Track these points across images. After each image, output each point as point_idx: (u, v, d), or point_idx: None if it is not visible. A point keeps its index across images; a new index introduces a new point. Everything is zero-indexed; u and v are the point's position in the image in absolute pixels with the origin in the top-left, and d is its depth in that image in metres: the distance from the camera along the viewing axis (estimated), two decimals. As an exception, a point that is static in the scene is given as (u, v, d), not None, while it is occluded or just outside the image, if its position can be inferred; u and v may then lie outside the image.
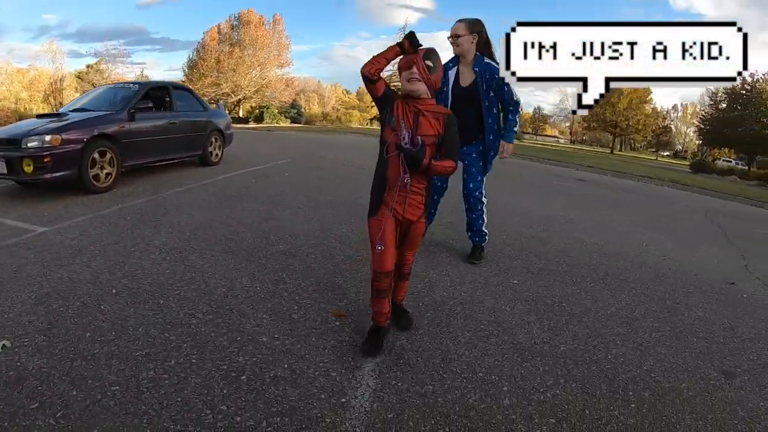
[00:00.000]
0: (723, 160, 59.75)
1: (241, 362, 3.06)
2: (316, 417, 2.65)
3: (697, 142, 74.16)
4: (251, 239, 5.45)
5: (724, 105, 54.73)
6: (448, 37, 4.93)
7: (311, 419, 2.63)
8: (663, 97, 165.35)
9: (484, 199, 5.37)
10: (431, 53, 3.22)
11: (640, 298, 5.09)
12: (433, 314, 4.07)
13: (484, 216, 5.44)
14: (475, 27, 4.89)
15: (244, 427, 2.54)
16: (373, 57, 3.22)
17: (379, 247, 3.21)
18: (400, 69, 3.21)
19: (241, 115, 50.66)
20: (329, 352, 3.29)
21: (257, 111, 51.10)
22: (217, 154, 11.27)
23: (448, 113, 3.32)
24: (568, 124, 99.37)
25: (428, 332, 3.77)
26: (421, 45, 3.23)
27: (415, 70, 3.16)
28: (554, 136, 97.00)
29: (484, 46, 4.96)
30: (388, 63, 3.22)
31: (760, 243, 9.35)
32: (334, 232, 6.06)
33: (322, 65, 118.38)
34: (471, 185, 5.28)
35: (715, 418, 3.15)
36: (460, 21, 4.92)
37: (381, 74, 3.24)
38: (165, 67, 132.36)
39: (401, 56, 3.27)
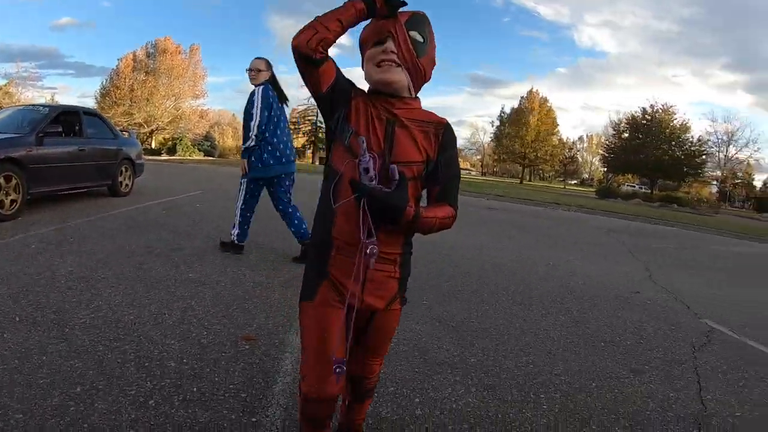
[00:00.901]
0: (627, 186, 63.25)
1: (149, 387, 2.99)
2: None
3: (602, 169, 78.34)
4: (160, 268, 5.35)
5: (627, 134, 58.39)
6: (247, 70, 5.97)
7: None
8: (569, 129, 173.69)
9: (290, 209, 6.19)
10: (419, 20, 1.92)
11: (549, 311, 5.35)
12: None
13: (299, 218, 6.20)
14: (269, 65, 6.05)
15: None
16: (317, 18, 1.80)
17: (338, 370, 1.82)
18: (364, 42, 1.96)
19: (153, 146, 49.04)
20: (239, 375, 3.27)
21: (170, 143, 49.77)
22: (127, 184, 10.92)
23: (444, 122, 1.97)
24: (479, 156, 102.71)
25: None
26: (404, 3, 1.87)
27: (390, 45, 1.86)
28: (466, 169, 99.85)
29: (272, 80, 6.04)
30: (344, 32, 1.85)
31: (661, 256, 10.07)
32: (243, 261, 6.03)
33: (237, 98, 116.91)
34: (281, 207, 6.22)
35: (626, 411, 3.36)
36: (258, 59, 6.01)
37: (329, 51, 1.86)
38: (77, 93, 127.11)
39: (367, 22, 1.93)
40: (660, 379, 3.93)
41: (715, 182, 65.17)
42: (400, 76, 1.87)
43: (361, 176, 1.74)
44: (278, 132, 5.89)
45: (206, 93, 54.94)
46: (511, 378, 3.66)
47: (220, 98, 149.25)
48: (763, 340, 5.29)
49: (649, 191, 53.25)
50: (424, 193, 2.03)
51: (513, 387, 3.52)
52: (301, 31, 1.77)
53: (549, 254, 8.73)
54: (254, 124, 5.69)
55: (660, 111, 57.69)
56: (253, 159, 5.86)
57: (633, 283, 7.20)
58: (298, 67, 1.82)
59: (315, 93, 1.88)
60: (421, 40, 1.89)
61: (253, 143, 5.76)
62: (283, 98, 6.03)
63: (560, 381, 3.69)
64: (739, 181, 70.02)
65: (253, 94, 5.78)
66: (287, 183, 6.12)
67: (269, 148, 5.83)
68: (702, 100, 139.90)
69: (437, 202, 1.94)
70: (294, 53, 1.78)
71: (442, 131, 1.94)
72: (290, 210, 6.15)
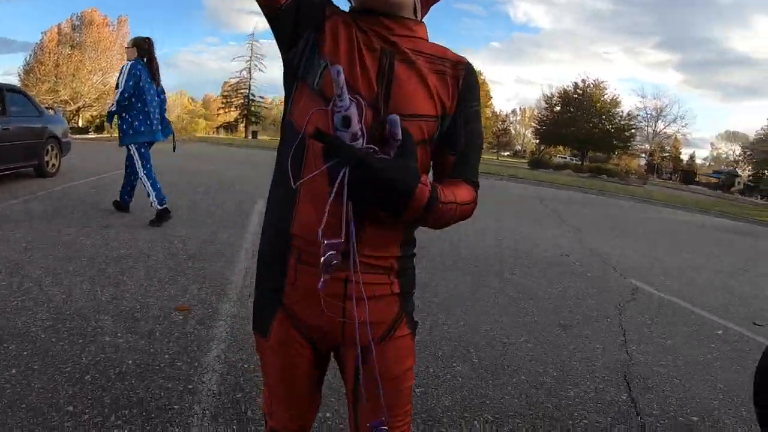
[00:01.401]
0: (559, 157, 64.80)
1: (84, 363, 2.93)
2: (164, 406, 2.61)
3: (534, 141, 79.87)
4: (91, 246, 5.19)
5: (558, 108, 59.70)
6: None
7: (160, 408, 2.59)
8: (503, 102, 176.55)
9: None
10: None
11: (482, 276, 5.50)
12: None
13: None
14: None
15: (92, 423, 2.45)
16: None
17: None
18: None
19: (80, 124, 47.07)
20: (174, 344, 3.24)
21: (98, 120, 47.80)
22: (54, 164, 10.35)
23: (464, 61, 1.32)
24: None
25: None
26: None
27: None
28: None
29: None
30: None
31: (590, 222, 10.41)
32: (175, 234, 5.92)
33: (167, 72, 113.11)
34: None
35: (554, 362, 3.52)
36: (132, 39, 6.73)
37: None
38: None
39: None
40: (587, 333, 4.11)
41: (643, 155, 67.61)
42: None
43: (338, 132, 1.06)
44: (147, 103, 6.49)
45: None
46: (443, 338, 3.73)
47: None
48: (684, 296, 5.62)
49: (580, 163, 54.87)
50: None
51: (445, 345, 3.60)
52: None
53: (480, 220, 8.88)
54: (118, 92, 6.30)
55: (591, 86, 59.41)
56: (129, 128, 6.47)
57: (563, 247, 7.45)
58: None
59: (269, 11, 1.21)
60: None
61: (114, 108, 6.41)
62: (153, 77, 6.64)
63: (491, 337, 3.79)
64: (667, 154, 72.82)
65: (123, 67, 6.44)
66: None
67: (140, 117, 6.43)
68: (633, 77, 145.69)
69: (451, 179, 1.28)
70: None
71: (462, 74, 1.28)
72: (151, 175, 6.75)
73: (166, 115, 6.91)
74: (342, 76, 1.03)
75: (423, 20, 1.32)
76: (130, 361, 2.96)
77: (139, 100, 6.37)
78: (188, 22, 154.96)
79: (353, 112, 1.05)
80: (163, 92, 6.88)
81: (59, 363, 2.90)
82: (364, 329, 1.19)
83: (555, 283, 5.48)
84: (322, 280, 1.08)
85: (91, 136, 37.42)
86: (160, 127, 6.71)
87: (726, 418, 3.07)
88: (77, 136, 28.23)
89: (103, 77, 47.29)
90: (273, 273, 1.30)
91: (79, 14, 48.20)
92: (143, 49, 6.61)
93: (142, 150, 6.53)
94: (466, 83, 1.28)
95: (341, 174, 1.03)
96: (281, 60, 1.27)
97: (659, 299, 5.38)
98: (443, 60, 1.27)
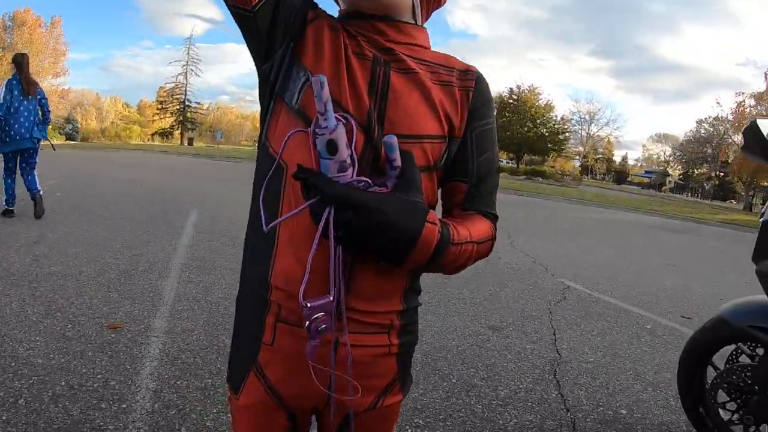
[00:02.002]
0: (495, 162, 66.23)
1: (17, 387, 2.81)
2: (99, 427, 2.54)
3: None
4: (20, 264, 4.97)
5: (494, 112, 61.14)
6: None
7: (94, 429, 2.52)
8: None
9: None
10: None
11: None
12: (208, 316, 4.03)
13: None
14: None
15: None
16: None
17: None
18: None
19: (12, 133, 45.45)
20: (106, 363, 3.15)
21: None
22: None
23: (474, 70, 1.10)
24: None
25: (204, 331, 3.74)
26: None
27: None
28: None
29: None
30: None
31: (524, 224, 10.62)
32: (107, 248, 5.76)
33: (101, 76, 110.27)
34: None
35: (485, 364, 3.53)
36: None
37: None
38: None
39: None
40: (517, 333, 4.15)
41: (577, 157, 69.70)
42: None
43: (322, 161, 0.85)
44: (15, 116, 7.00)
45: (68, 71, 50.64)
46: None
47: (82, 76, 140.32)
48: (613, 294, 5.79)
49: (516, 166, 56.21)
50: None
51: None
52: None
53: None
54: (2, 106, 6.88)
55: (526, 91, 61.13)
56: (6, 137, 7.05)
57: (495, 249, 7.48)
58: None
59: (238, 12, 0.96)
60: None
61: None
62: (24, 90, 7.13)
63: (421, 341, 3.75)
64: (600, 156, 75.33)
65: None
66: (26, 156, 7.33)
67: (6, 129, 6.96)
68: (567, 83, 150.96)
69: (463, 212, 1.08)
70: None
71: (472, 85, 1.07)
72: (28, 178, 7.32)
73: (51, 116, 7.67)
74: (326, 90, 0.82)
75: (424, 25, 1.12)
76: (63, 383, 2.88)
77: (8, 113, 6.94)
78: (123, 25, 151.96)
79: (340, 134, 0.84)
80: (44, 97, 7.53)
81: (-7, 388, 2.79)
82: (355, 397, 1.00)
83: (487, 285, 5.52)
84: (310, 345, 0.86)
85: None
86: (28, 135, 7.18)
87: (655, 409, 3.15)
88: None
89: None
90: (248, 328, 1.07)
91: (11, 14, 46.18)
92: (18, 63, 7.34)
93: (3, 158, 7.15)
94: (477, 96, 1.07)
95: (324, 215, 0.82)
96: (255, 72, 1.05)
97: (589, 297, 5.50)
98: (449, 69, 1.06)
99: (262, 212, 0.93)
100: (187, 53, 64.82)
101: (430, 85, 1.00)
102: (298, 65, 0.97)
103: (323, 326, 0.85)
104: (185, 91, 65.08)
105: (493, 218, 1.11)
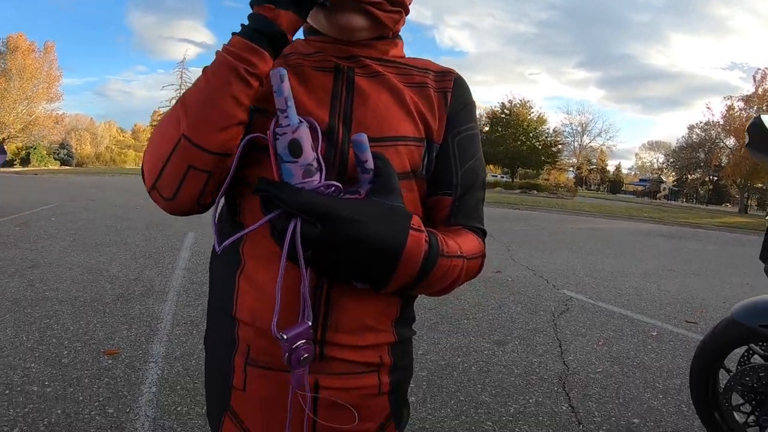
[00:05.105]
0: (490, 176, 66.22)
1: (12, 415, 2.78)
2: None
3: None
4: (15, 289, 4.95)
5: (487, 128, 61.23)
6: None
7: None
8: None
9: None
10: None
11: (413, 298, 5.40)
12: (200, 334, 3.99)
13: None
14: None
15: None
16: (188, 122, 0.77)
17: None
18: None
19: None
20: (104, 390, 3.11)
21: (23, 152, 46.03)
22: None
23: (453, 72, 1.00)
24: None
25: (203, 355, 3.68)
26: None
27: None
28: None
29: None
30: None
31: (522, 237, 10.63)
32: (103, 273, 5.75)
33: (96, 101, 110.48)
34: None
35: (492, 380, 3.48)
36: None
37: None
38: None
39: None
40: (523, 347, 4.11)
41: (571, 169, 70.08)
42: (360, 23, 0.88)
43: (284, 165, 0.74)
44: None
45: (62, 96, 50.27)
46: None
47: (76, 101, 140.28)
48: (616, 302, 5.77)
49: (510, 180, 56.36)
50: None
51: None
52: (167, 180, 0.81)
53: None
54: None
55: (518, 106, 61.41)
56: None
57: (494, 263, 7.51)
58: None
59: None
60: None
61: None
62: None
63: (426, 360, 3.74)
64: (594, 166, 75.65)
65: None
66: None
67: None
68: (557, 95, 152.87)
69: (448, 227, 0.96)
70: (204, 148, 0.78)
71: (450, 87, 0.97)
72: None
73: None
74: (287, 83, 0.74)
75: (399, 35, 1.01)
76: (59, 411, 2.84)
77: None
78: (116, 50, 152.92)
79: (304, 133, 0.74)
80: None
81: (-13, 416, 2.75)
82: None
83: (489, 300, 5.48)
84: (294, 375, 0.77)
85: (16, 169, 36.07)
86: None
87: (668, 417, 3.12)
88: (1, 169, 27.26)
89: (28, 107, 45.55)
90: (217, 369, 0.95)
91: (4, 39, 46.28)
92: None
93: None
94: (456, 98, 0.97)
95: (289, 230, 0.70)
96: None
97: (592, 307, 5.48)
98: (423, 71, 0.97)
99: (215, 231, 0.86)
100: (180, 77, 65.05)
101: (401, 87, 0.91)
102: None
103: (305, 355, 0.75)
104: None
105: (482, 234, 1.01)
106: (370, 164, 0.78)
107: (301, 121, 0.75)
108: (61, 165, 47.39)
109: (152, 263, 6.33)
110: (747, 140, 2.42)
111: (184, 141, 0.77)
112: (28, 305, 4.51)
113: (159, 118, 66.46)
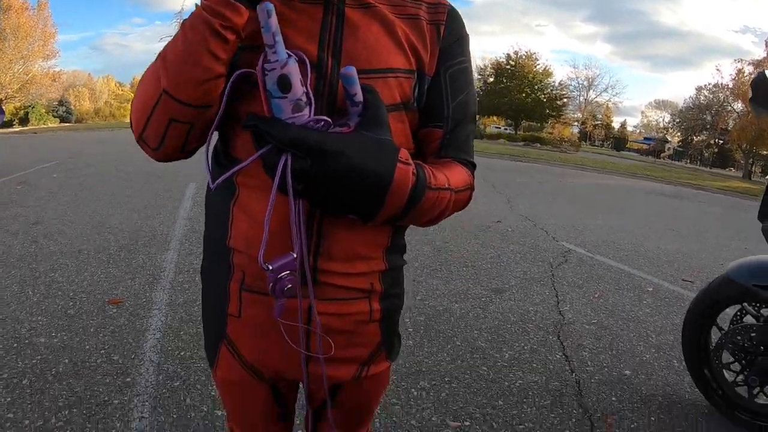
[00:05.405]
0: (493, 127, 65.83)
1: (21, 367, 2.82)
2: (103, 401, 2.55)
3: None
4: (19, 246, 4.96)
5: (492, 79, 60.52)
6: None
7: (99, 404, 2.53)
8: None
9: None
10: None
11: (415, 245, 5.48)
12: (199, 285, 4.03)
13: None
14: None
15: (34, 428, 2.36)
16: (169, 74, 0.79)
17: None
18: None
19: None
20: (109, 339, 3.16)
21: (22, 112, 45.77)
22: None
23: (447, 3, 0.99)
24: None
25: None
26: None
27: None
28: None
29: None
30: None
31: (524, 189, 10.65)
32: (106, 225, 5.77)
33: (93, 56, 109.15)
34: None
35: (488, 326, 3.54)
36: None
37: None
38: None
39: None
40: (520, 296, 4.16)
41: (576, 123, 69.45)
42: None
43: (274, 101, 0.75)
44: None
45: (58, 53, 49.43)
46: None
47: (73, 57, 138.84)
48: (614, 257, 5.81)
49: (514, 132, 56.04)
50: None
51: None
52: (153, 130, 0.85)
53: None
54: None
55: (524, 57, 60.54)
56: None
57: (495, 213, 7.56)
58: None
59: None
60: None
61: None
62: None
63: (424, 305, 3.79)
64: (599, 122, 74.97)
65: None
66: None
67: None
68: (564, 48, 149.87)
69: (438, 159, 0.98)
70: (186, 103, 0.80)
71: (443, 19, 0.96)
72: None
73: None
74: (274, 18, 0.74)
75: None
76: (66, 360, 2.89)
77: None
78: (111, 3, 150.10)
79: (293, 68, 0.75)
80: None
81: (-4, 370, 2.79)
82: (335, 366, 0.97)
83: (488, 249, 5.53)
84: (277, 304, 0.80)
85: (16, 129, 35.83)
86: None
87: (659, 371, 3.16)
88: (0, 130, 27.11)
89: (24, 66, 44.83)
90: (213, 298, 1.01)
91: None
92: None
93: None
94: (449, 31, 0.96)
95: (280, 165, 0.74)
96: None
97: (590, 260, 5.51)
98: (416, 2, 0.95)
99: (208, 168, 0.89)
100: (178, 28, 64.31)
101: (392, 18, 0.91)
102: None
103: (289, 286, 0.79)
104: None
105: (471, 166, 1.02)
106: (359, 97, 0.79)
107: (289, 56, 0.76)
108: (60, 122, 46.98)
109: (154, 214, 6.36)
110: (750, 95, 2.40)
111: (165, 96, 0.80)
112: (33, 261, 4.53)
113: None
